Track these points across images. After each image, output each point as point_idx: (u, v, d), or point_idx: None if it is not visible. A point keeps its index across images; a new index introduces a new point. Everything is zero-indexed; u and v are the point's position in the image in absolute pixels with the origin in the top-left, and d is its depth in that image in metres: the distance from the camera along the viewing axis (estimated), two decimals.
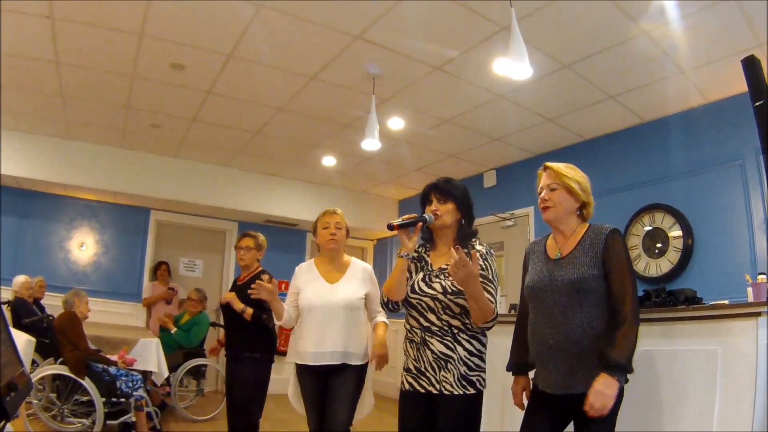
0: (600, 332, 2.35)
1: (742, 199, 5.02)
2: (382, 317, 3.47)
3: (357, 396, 3.33)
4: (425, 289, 2.70)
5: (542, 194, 2.63)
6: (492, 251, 2.80)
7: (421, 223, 2.75)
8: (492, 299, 2.55)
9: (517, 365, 2.76)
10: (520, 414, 2.65)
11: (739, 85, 4.31)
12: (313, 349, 3.31)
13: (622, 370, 2.23)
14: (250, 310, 4.13)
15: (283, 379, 4.21)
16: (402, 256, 2.74)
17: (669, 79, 5.02)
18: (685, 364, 2.96)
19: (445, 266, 2.70)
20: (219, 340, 4.49)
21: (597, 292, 2.38)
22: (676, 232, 5.47)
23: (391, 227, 2.69)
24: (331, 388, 3.29)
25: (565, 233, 2.60)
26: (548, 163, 2.67)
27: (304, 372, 3.39)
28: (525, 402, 2.71)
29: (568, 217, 2.59)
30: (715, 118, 5.33)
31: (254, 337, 4.22)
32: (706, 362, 2.86)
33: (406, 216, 2.76)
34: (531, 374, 2.73)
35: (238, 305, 4.14)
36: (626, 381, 2.34)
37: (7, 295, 6.49)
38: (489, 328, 2.62)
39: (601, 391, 2.19)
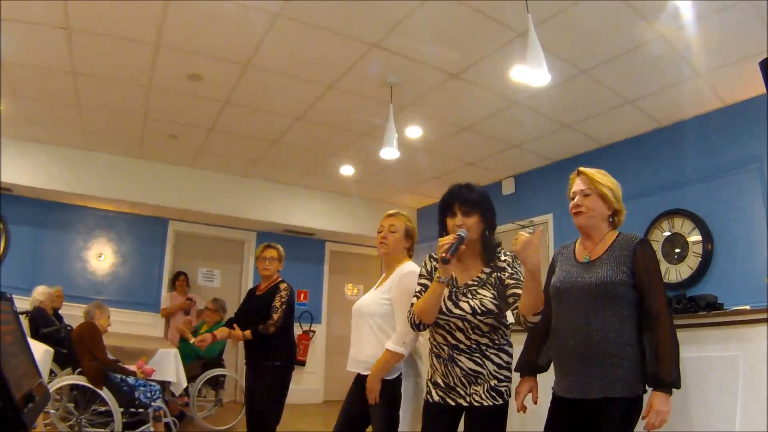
0: (622, 339, 2.34)
1: (761, 202, 4.93)
2: (391, 344, 2.95)
3: (391, 407, 3.02)
4: (453, 309, 2.60)
5: (575, 199, 2.60)
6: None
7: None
8: None
9: (528, 365, 2.76)
10: (540, 423, 2.62)
11: (757, 87, 4.28)
12: (350, 354, 3.26)
13: (674, 386, 2.25)
14: (248, 333, 4.22)
15: (302, 389, 4.18)
16: (441, 281, 2.54)
17: (686, 83, 4.96)
18: (707, 370, 2.95)
19: (471, 282, 2.65)
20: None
21: (622, 297, 2.38)
22: (695, 237, 5.40)
23: (446, 261, 2.44)
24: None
25: (594, 239, 2.59)
26: (582, 168, 2.65)
27: (354, 378, 3.27)
28: (527, 405, 2.70)
29: (600, 224, 2.58)
30: (732, 121, 5.26)
31: (273, 344, 4.26)
32: (728, 368, 2.85)
33: (443, 241, 2.52)
34: (539, 377, 2.75)
35: (237, 336, 4.28)
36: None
37: (25, 305, 6.50)
38: (535, 323, 2.41)
39: (661, 410, 2.23)
